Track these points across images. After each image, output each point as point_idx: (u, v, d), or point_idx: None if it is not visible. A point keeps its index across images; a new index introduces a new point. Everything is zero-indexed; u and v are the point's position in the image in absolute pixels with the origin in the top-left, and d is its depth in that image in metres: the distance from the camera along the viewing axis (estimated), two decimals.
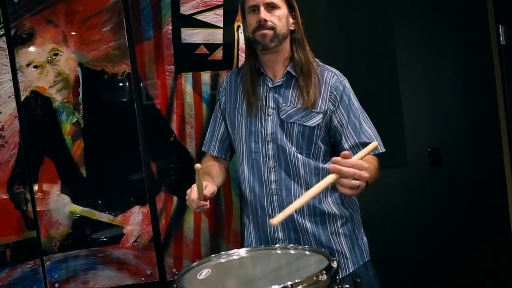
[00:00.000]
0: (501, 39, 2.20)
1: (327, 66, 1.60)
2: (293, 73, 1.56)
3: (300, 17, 1.58)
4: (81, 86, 1.96)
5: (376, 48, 2.28)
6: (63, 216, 1.97)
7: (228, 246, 2.00)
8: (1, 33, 1.93)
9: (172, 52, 1.96)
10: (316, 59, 1.60)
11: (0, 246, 1.94)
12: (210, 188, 1.45)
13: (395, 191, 2.33)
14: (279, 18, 1.52)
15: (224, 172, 1.71)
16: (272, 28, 1.51)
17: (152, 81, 1.97)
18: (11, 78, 1.93)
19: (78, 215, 1.97)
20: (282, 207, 1.51)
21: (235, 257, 1.31)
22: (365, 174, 1.18)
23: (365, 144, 1.50)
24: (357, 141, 1.53)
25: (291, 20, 1.56)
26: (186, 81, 1.97)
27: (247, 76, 1.60)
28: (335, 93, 1.54)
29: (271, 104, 1.57)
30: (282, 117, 1.53)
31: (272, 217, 1.51)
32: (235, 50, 1.97)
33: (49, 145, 1.96)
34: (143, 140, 1.97)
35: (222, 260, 1.30)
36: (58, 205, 1.96)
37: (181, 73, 1.97)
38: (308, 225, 1.53)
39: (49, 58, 1.95)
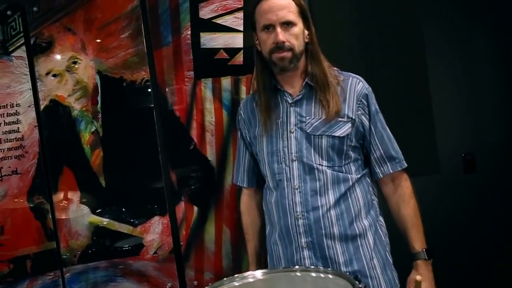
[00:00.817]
0: None
1: (349, 73, 1.51)
2: (312, 85, 1.46)
3: (314, 26, 1.47)
4: (99, 94, 1.92)
5: (406, 50, 2.17)
6: (82, 227, 1.93)
7: None
8: (21, 42, 1.92)
9: (192, 57, 1.91)
10: (335, 68, 1.50)
11: (21, 257, 1.92)
12: None
13: (426, 199, 2.17)
14: (296, 37, 1.41)
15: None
16: (291, 49, 1.40)
17: (171, 88, 1.92)
18: (31, 87, 1.92)
19: (98, 226, 1.93)
20: (309, 233, 1.40)
21: (250, 280, 1.20)
22: None
23: (392, 158, 1.48)
24: (384, 154, 1.47)
25: (306, 33, 1.45)
26: (206, 87, 1.91)
27: (262, 95, 1.49)
28: (363, 100, 1.46)
29: (293, 120, 1.46)
30: (308, 131, 1.43)
31: (299, 244, 1.42)
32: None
33: (68, 154, 1.93)
34: (163, 149, 1.92)
35: (236, 284, 1.19)
36: (78, 215, 1.93)
37: (200, 79, 1.91)
38: (339, 249, 1.41)
39: (68, 67, 1.92)
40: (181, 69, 1.92)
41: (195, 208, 1.93)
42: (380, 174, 1.49)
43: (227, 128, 1.91)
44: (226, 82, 1.91)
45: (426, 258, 1.45)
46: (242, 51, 1.90)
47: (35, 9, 1.91)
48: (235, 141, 1.91)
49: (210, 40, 1.91)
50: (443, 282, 2.18)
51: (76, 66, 1.92)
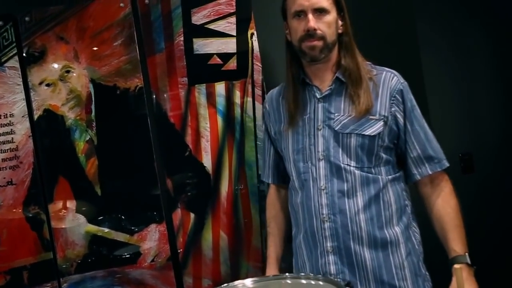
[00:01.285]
0: None
1: (383, 67, 1.42)
2: (343, 79, 1.37)
3: (349, 18, 1.39)
4: (93, 103, 1.91)
5: (400, 49, 2.16)
6: (79, 236, 1.92)
7: (248, 264, 1.91)
8: (14, 52, 1.91)
9: (185, 63, 1.90)
10: (369, 62, 1.42)
11: (18, 269, 1.91)
12: None
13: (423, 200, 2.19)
14: (329, 25, 1.33)
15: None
16: (322, 38, 1.32)
17: (165, 95, 1.91)
18: (24, 97, 1.91)
19: (94, 235, 1.92)
20: (335, 236, 1.32)
21: None
22: None
23: (430, 159, 1.37)
24: (422, 154, 1.36)
25: (339, 23, 1.37)
26: (200, 93, 1.90)
27: (290, 88, 1.41)
28: (397, 96, 1.36)
29: (321, 116, 1.37)
30: (336, 128, 1.34)
31: (324, 248, 1.34)
32: (250, 59, 1.89)
33: (63, 164, 1.92)
34: (158, 156, 1.91)
35: None
36: (74, 225, 1.92)
37: (194, 85, 1.90)
38: (368, 256, 1.32)
39: (61, 76, 1.91)
40: (175, 76, 1.91)
41: (192, 215, 1.91)
42: (418, 176, 1.39)
43: (222, 133, 1.90)
44: (220, 87, 1.90)
45: (469, 262, 1.33)
46: (235, 56, 1.89)
47: (27, 18, 1.91)
48: (231, 146, 1.90)
49: (203, 45, 1.90)
50: (440, 283, 2.17)
51: (69, 75, 1.92)
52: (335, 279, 1.14)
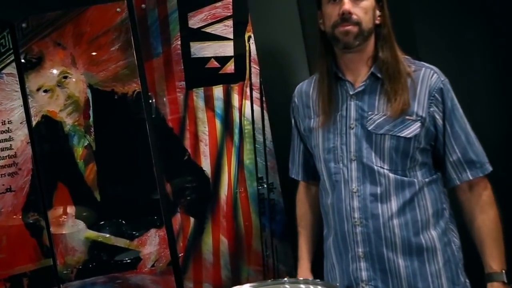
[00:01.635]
0: None
1: (422, 62, 1.33)
2: (379, 75, 1.28)
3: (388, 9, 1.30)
4: (91, 108, 1.91)
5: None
6: (78, 243, 1.91)
7: (249, 268, 1.90)
8: (11, 59, 1.91)
9: (182, 67, 1.90)
10: (407, 56, 1.32)
11: (18, 276, 1.90)
12: None
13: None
14: (366, 11, 1.24)
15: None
16: (357, 24, 1.23)
17: (163, 99, 1.91)
18: (22, 104, 1.91)
19: (94, 241, 1.91)
20: (367, 242, 1.26)
21: None
22: None
23: (472, 163, 1.28)
24: (462, 158, 1.27)
25: (377, 13, 1.28)
26: (198, 97, 1.90)
27: (322, 82, 1.33)
28: (437, 95, 1.26)
29: (353, 114, 1.29)
30: (369, 128, 1.26)
31: (355, 253, 1.28)
32: (247, 61, 1.88)
33: (62, 170, 1.92)
34: (157, 160, 1.90)
35: None
36: (73, 231, 1.91)
37: (192, 89, 1.90)
38: (401, 263, 1.24)
39: (59, 82, 1.91)
40: (173, 80, 1.91)
41: (192, 219, 1.91)
42: (457, 181, 1.30)
43: (221, 137, 1.89)
44: (218, 91, 1.89)
45: (505, 281, 1.25)
46: (233, 59, 1.89)
47: (24, 25, 1.91)
48: (230, 150, 1.90)
49: (200, 49, 1.89)
50: None
51: (67, 80, 1.91)
52: (335, 285, 1.12)
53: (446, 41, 2.18)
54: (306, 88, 1.44)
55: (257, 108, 1.88)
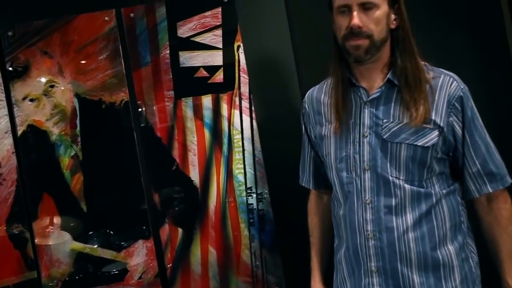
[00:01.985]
0: None
1: (441, 69, 1.27)
2: (395, 82, 1.23)
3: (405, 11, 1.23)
4: (78, 118, 1.89)
5: None
6: (64, 254, 1.87)
7: (238, 279, 1.87)
8: None
9: (171, 77, 1.88)
10: (425, 63, 1.27)
11: None
12: None
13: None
14: (377, 21, 1.17)
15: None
16: (369, 37, 1.17)
17: (151, 108, 1.89)
18: (7, 113, 1.88)
19: (80, 252, 1.87)
20: (380, 256, 1.21)
21: None
22: None
23: (492, 175, 1.24)
24: (482, 170, 1.23)
25: (392, 17, 1.21)
26: (187, 106, 1.89)
27: (336, 88, 1.28)
28: (456, 104, 1.21)
29: (367, 121, 1.24)
30: (384, 137, 1.21)
31: (368, 268, 1.23)
32: (237, 71, 1.88)
33: (47, 180, 1.88)
34: (144, 171, 1.88)
35: None
36: (59, 242, 1.87)
37: (181, 98, 1.89)
38: (416, 279, 1.20)
39: (45, 91, 1.89)
40: (161, 89, 1.89)
41: (180, 230, 1.88)
42: (476, 193, 1.26)
43: (210, 147, 1.88)
44: (207, 100, 1.88)
45: None
46: (222, 68, 1.88)
47: (10, 33, 1.88)
48: (218, 159, 1.88)
49: (189, 58, 1.89)
50: None
51: (54, 89, 1.89)
52: None
53: (431, 46, 2.19)
54: (317, 94, 1.39)
55: (246, 117, 1.87)
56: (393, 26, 1.22)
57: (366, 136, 1.24)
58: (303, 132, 1.46)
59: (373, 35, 1.18)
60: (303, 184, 1.52)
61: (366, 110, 1.25)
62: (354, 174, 1.25)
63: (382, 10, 1.18)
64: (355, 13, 1.16)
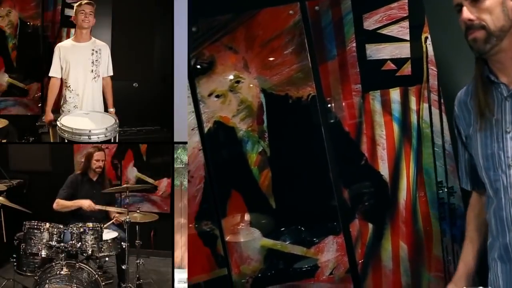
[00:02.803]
0: None
1: None
2: None
3: None
4: (265, 113, 1.87)
5: None
6: (254, 251, 1.87)
7: (429, 275, 1.85)
8: None
9: (358, 70, 1.85)
10: None
11: (194, 285, 1.85)
12: None
13: None
14: (489, 10, 1.16)
15: None
16: (483, 27, 1.16)
17: (338, 103, 1.87)
18: (193, 109, 1.86)
19: (270, 249, 1.87)
20: None
21: None
22: None
23: None
24: None
25: (510, 4, 1.18)
26: (375, 100, 1.86)
27: (476, 86, 1.27)
28: None
29: (508, 117, 1.22)
30: None
31: None
32: (425, 63, 1.84)
33: (235, 177, 1.87)
34: (333, 166, 1.85)
35: None
36: (249, 239, 1.87)
37: (368, 92, 1.86)
38: None
39: (231, 86, 1.87)
40: (348, 83, 1.86)
41: (370, 225, 1.86)
42: None
43: (399, 140, 1.85)
44: (395, 93, 1.85)
45: None
46: (409, 61, 1.84)
47: (194, 29, 1.86)
48: (408, 154, 1.85)
49: (376, 51, 1.85)
50: None
51: (240, 85, 1.87)
52: None
53: None
54: (464, 97, 1.39)
55: (435, 110, 1.84)
56: None
57: (509, 132, 1.21)
58: (456, 135, 1.46)
59: (488, 25, 1.16)
60: (463, 186, 1.51)
61: (508, 105, 1.22)
62: (500, 171, 1.23)
63: None
64: (464, 8, 1.18)
